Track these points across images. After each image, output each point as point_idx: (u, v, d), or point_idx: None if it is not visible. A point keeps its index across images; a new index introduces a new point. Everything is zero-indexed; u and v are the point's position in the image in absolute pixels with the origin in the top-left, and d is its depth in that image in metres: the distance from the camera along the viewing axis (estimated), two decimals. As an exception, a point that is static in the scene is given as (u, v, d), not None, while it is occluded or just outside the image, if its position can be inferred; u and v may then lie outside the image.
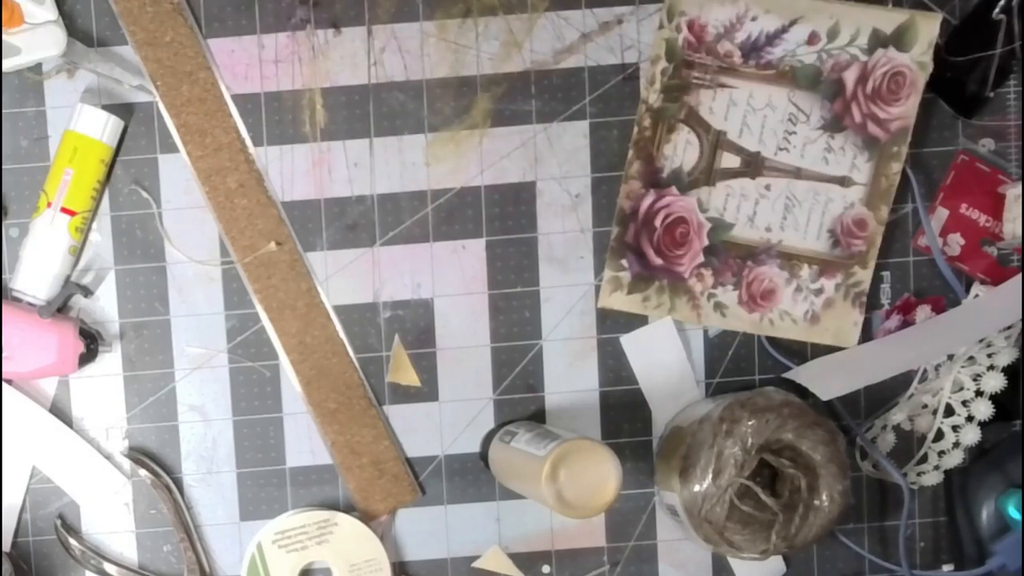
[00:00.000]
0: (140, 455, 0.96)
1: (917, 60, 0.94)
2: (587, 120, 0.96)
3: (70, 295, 0.94)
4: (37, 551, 0.97)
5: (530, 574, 0.98)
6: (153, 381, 0.96)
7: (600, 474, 0.83)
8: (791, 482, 0.89)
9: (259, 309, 0.96)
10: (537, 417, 0.97)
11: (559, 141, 0.96)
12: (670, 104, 0.95)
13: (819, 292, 0.96)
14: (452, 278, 0.96)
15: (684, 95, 0.95)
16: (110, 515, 0.97)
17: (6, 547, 0.96)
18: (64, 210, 0.93)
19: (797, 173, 0.95)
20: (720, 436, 0.88)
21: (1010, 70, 0.95)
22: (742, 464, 0.87)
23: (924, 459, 0.96)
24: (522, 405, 0.97)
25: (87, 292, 0.94)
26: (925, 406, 0.96)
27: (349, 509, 0.97)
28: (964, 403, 0.93)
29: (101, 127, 0.93)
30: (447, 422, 0.97)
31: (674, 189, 0.95)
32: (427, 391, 0.97)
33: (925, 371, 0.96)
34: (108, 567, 0.96)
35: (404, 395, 0.97)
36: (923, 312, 0.96)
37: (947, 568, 0.97)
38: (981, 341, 0.93)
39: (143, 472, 0.95)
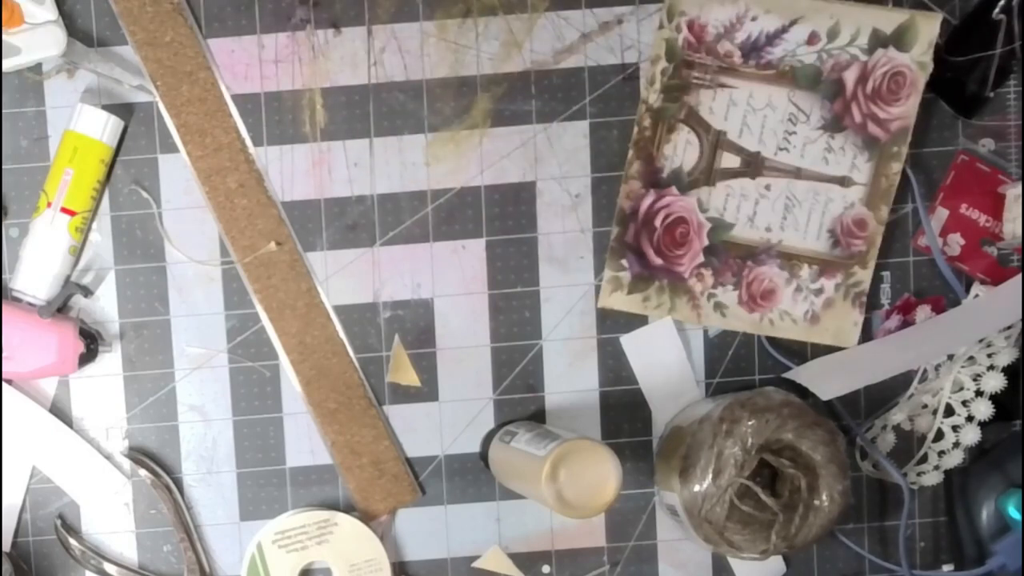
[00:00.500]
0: (140, 455, 0.96)
1: (917, 60, 0.94)
2: (587, 120, 0.96)
3: (70, 295, 0.94)
4: (37, 551, 0.97)
5: (530, 574, 0.98)
6: (153, 381, 0.96)
7: (600, 474, 0.83)
8: (791, 482, 0.89)
9: (259, 309, 0.96)
10: (537, 417, 0.97)
11: (559, 141, 0.96)
12: (670, 104, 0.95)
13: (819, 292, 0.96)
14: (452, 278, 0.96)
15: (684, 95, 0.95)
16: (110, 515, 0.97)
17: (6, 547, 0.96)
18: (64, 210, 0.93)
19: (797, 173, 0.95)
20: (720, 436, 0.88)
21: (1010, 70, 0.95)
22: (742, 464, 0.87)
23: (924, 459, 0.96)
24: (522, 405, 0.97)
25: (87, 292, 0.94)
26: (925, 406, 0.96)
27: (349, 509, 0.97)
28: (964, 403, 0.93)
29: (101, 127, 0.93)
30: (447, 422, 0.97)
31: (674, 189, 0.95)
32: (427, 391, 0.97)
33: (925, 371, 0.96)
34: (108, 567, 0.96)
35: (404, 395, 0.97)
36: (923, 312, 0.96)
37: (947, 568, 0.97)
38: (981, 341, 0.93)
39: (143, 472, 0.95)
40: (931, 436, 0.95)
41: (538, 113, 0.96)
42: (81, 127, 0.93)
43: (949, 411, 0.94)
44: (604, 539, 0.98)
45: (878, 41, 0.94)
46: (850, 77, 0.94)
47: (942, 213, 0.97)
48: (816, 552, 0.98)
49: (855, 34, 0.94)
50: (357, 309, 0.97)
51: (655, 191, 0.95)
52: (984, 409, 0.93)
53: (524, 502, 0.97)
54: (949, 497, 0.97)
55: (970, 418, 0.93)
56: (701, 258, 0.96)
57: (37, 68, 0.95)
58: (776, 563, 0.97)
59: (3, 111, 0.95)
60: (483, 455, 0.97)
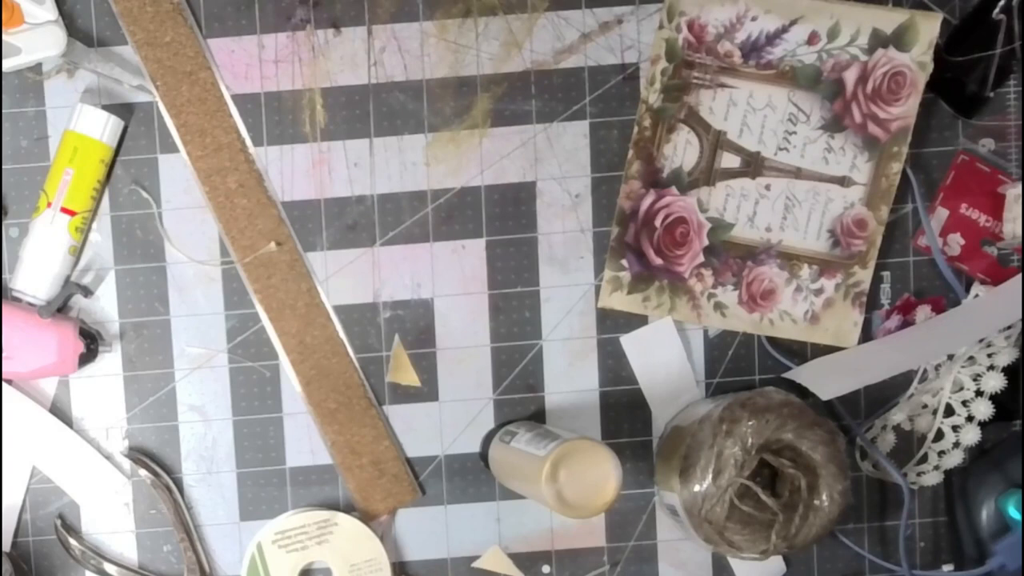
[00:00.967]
0: (140, 455, 0.96)
1: (917, 60, 0.94)
2: (587, 120, 0.96)
3: (70, 295, 0.94)
4: (37, 551, 0.97)
5: (530, 574, 0.98)
6: (153, 381, 0.96)
7: (600, 474, 0.83)
8: (791, 482, 0.89)
9: (259, 309, 0.96)
10: (537, 417, 0.97)
11: (559, 141, 0.96)
12: (670, 104, 0.95)
13: (819, 292, 0.96)
14: (452, 278, 0.96)
15: (684, 95, 0.95)
16: (110, 515, 0.97)
17: (6, 547, 0.96)
18: (64, 210, 0.93)
19: (797, 173, 0.95)
20: (720, 436, 0.88)
21: (1010, 70, 0.95)
22: (742, 464, 0.87)
23: (924, 459, 0.96)
24: (522, 405, 0.97)
25: (87, 292, 0.94)
26: (925, 406, 0.96)
27: (349, 509, 0.97)
28: (964, 403, 0.93)
29: (101, 127, 0.93)
30: (447, 422, 0.97)
31: (674, 189, 0.95)
32: (427, 391, 0.97)
33: (925, 371, 0.96)
34: (108, 567, 0.96)
35: (404, 395, 0.97)
36: (923, 312, 0.96)
37: (947, 568, 0.97)
38: (981, 341, 0.93)
39: (143, 472, 0.95)
40: (931, 436, 0.95)
41: (538, 113, 0.96)
42: (81, 127, 0.93)
43: (949, 411, 0.94)
44: (604, 539, 0.98)
45: (878, 41, 0.94)
46: (850, 77, 0.94)
47: (942, 213, 0.97)
48: (816, 552, 0.98)
49: (855, 34, 0.94)
50: (357, 309, 0.97)
51: (655, 191, 0.95)
52: (984, 409, 0.93)
53: (524, 502, 0.97)
54: (949, 497, 0.97)
55: (970, 418, 0.93)
56: (701, 258, 0.96)
57: (37, 68, 0.95)
58: (776, 563, 0.97)
59: (3, 111, 0.95)
60: (483, 455, 0.97)
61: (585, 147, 0.96)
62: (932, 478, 0.96)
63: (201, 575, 0.96)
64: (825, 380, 0.93)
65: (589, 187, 0.96)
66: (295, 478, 0.97)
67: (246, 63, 0.95)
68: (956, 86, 0.95)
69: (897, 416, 0.96)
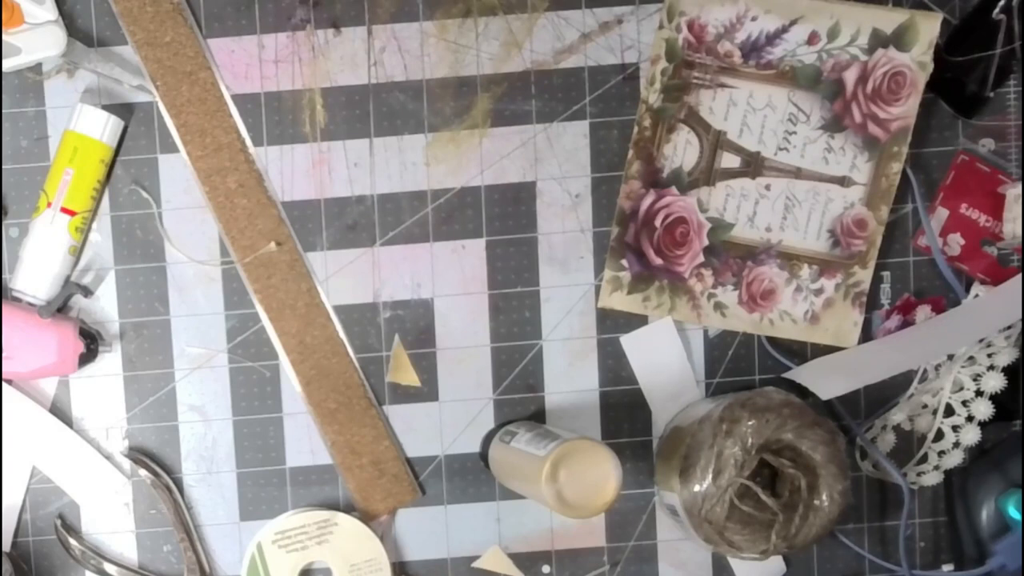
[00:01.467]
0: (140, 455, 0.96)
1: (917, 60, 0.94)
2: (587, 120, 0.96)
3: (70, 295, 0.94)
4: (37, 551, 0.97)
5: (530, 574, 0.98)
6: (153, 381, 0.96)
7: (600, 474, 0.83)
8: (791, 482, 0.89)
9: (259, 309, 0.96)
10: (537, 417, 0.97)
11: (559, 141, 0.96)
12: (670, 104, 0.95)
13: (819, 292, 0.96)
14: (452, 278, 0.96)
15: (684, 95, 0.95)
16: (110, 515, 0.97)
17: (6, 547, 0.96)
18: (64, 210, 0.93)
19: (797, 173, 0.95)
20: (720, 436, 0.88)
21: (1010, 70, 0.95)
22: (742, 464, 0.87)
23: (924, 459, 0.96)
24: (522, 405, 0.97)
25: (87, 292, 0.94)
26: (925, 406, 0.96)
27: (349, 509, 0.97)
28: (964, 403, 0.93)
29: (101, 127, 0.93)
30: (447, 422, 0.97)
31: (674, 189, 0.95)
32: (427, 391, 0.97)
33: (925, 371, 0.96)
34: (108, 567, 0.96)
35: (404, 395, 0.97)
36: (923, 312, 0.96)
37: (947, 568, 0.97)
38: (981, 341, 0.93)
39: (143, 472, 0.95)
40: (931, 436, 0.95)
41: (538, 113, 0.96)
42: (81, 127, 0.93)
43: (949, 411, 0.94)
44: (604, 539, 0.98)
45: (878, 41, 0.94)
46: (850, 77, 0.94)
47: (942, 213, 0.97)
48: (816, 552, 0.98)
49: (855, 34, 0.94)
50: (357, 309, 0.97)
51: (655, 191, 0.95)
52: (984, 409, 0.93)
53: (524, 502, 0.97)
54: (949, 497, 0.97)
55: (970, 418, 0.93)
56: (701, 258, 0.96)
57: (37, 68, 0.95)
58: (776, 563, 0.97)
59: (3, 111, 0.95)
60: (483, 455, 0.97)
61: (585, 147, 0.96)
62: (932, 478, 0.96)
63: (201, 575, 0.96)
64: (825, 380, 0.93)
65: (589, 187, 0.96)
66: (295, 478, 0.97)
67: (246, 63, 0.95)
68: (956, 86, 0.95)
69: (897, 416, 0.96)
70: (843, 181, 0.95)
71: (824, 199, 0.95)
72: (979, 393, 0.93)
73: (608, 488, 0.83)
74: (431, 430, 0.97)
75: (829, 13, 0.94)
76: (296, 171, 0.96)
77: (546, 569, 0.98)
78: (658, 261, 0.96)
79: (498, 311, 0.97)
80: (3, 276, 0.95)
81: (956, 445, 0.94)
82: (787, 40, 0.94)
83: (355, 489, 0.97)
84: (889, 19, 0.94)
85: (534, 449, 0.85)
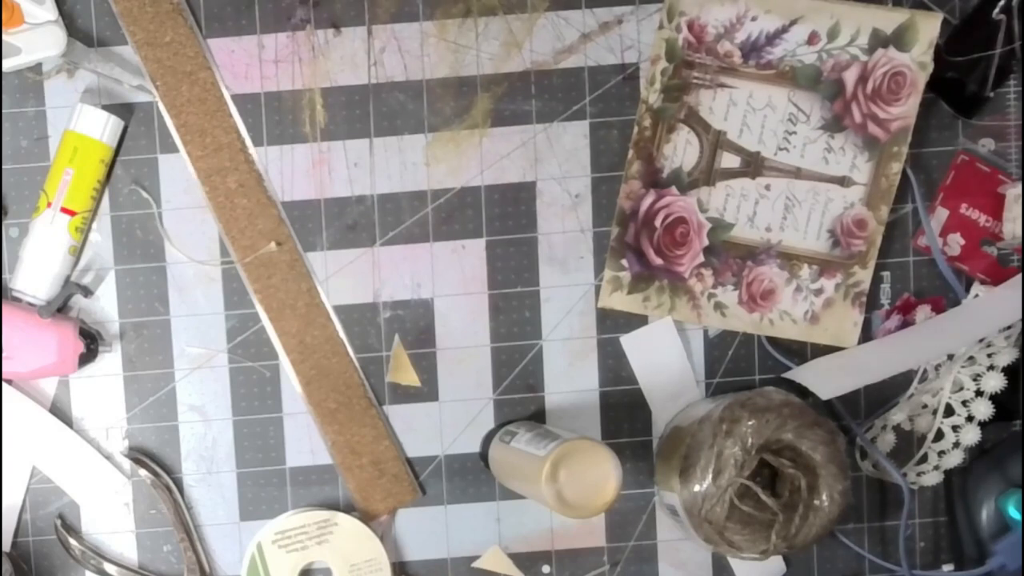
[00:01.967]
0: (140, 455, 0.96)
1: (917, 60, 0.94)
2: (587, 120, 0.96)
3: (70, 295, 0.94)
4: (37, 551, 0.97)
5: (530, 574, 0.98)
6: (153, 381, 0.96)
7: (600, 474, 0.83)
8: (791, 482, 0.89)
9: (259, 309, 0.96)
10: (537, 417, 0.97)
11: (559, 141, 0.96)
12: (670, 104, 0.95)
13: (819, 292, 0.96)
14: (452, 278, 0.96)
15: (684, 95, 0.95)
16: (110, 515, 0.97)
17: (6, 547, 0.96)
18: (64, 210, 0.93)
19: (797, 173, 0.95)
20: (720, 436, 0.88)
21: (1010, 70, 0.95)
22: (742, 464, 0.87)
23: (924, 459, 0.96)
24: (522, 405, 0.97)
25: (87, 292, 0.94)
26: (925, 406, 0.96)
27: (349, 509, 0.97)
28: (964, 403, 0.93)
29: (101, 127, 0.93)
30: (447, 422, 0.97)
31: (674, 189, 0.95)
32: (427, 391, 0.97)
33: (925, 371, 0.96)
34: (108, 567, 0.96)
35: (404, 395, 0.97)
36: (923, 312, 0.96)
37: (947, 568, 0.97)
38: (981, 341, 0.93)
39: (143, 472, 0.95)
40: (931, 436, 0.95)
41: (538, 113, 0.96)
42: (81, 127, 0.93)
43: (949, 411, 0.94)
44: (604, 539, 0.98)
45: (878, 41, 0.94)
46: (850, 77, 0.94)
47: (942, 213, 0.97)
48: (816, 552, 0.98)
49: (855, 34, 0.94)
50: (357, 309, 0.97)
51: (655, 191, 0.95)
52: (984, 409, 0.93)
53: (524, 502, 0.97)
54: (949, 497, 0.97)
55: (970, 418, 0.93)
56: (701, 258, 0.96)
57: (37, 68, 0.95)
58: (776, 563, 0.97)
59: (3, 111, 0.95)
60: (483, 455, 0.97)
61: (585, 147, 0.96)
62: (932, 478, 0.96)
63: (201, 575, 0.96)
64: (825, 380, 0.93)
65: (589, 187, 0.96)
66: (295, 478, 0.97)
67: (246, 63, 0.95)
68: (956, 86, 0.95)
69: (897, 416, 0.96)
70: (843, 181, 0.95)
71: (824, 199, 0.95)
72: (979, 393, 0.93)
73: (608, 488, 0.83)
74: (431, 430, 0.97)
75: (829, 13, 0.94)
76: (296, 171, 0.96)
77: (546, 569, 0.98)
78: (658, 261, 0.96)
79: (498, 311, 0.97)
80: (3, 276, 0.95)
81: (956, 445, 0.94)
82: (787, 40, 0.94)
83: (355, 489, 0.97)
84: (889, 19, 0.94)
85: (534, 449, 0.85)
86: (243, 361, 0.96)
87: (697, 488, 0.88)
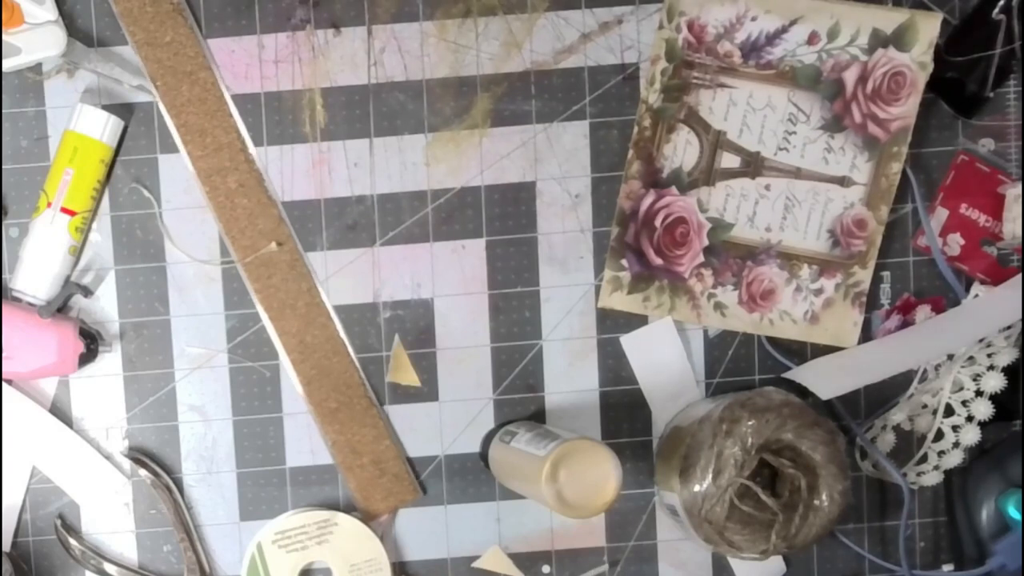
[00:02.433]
0: (140, 455, 0.96)
1: (917, 60, 0.94)
2: (587, 120, 0.96)
3: (70, 295, 0.94)
4: (37, 551, 0.97)
5: (530, 574, 0.98)
6: (153, 381, 0.96)
7: (600, 474, 0.83)
8: (791, 482, 0.89)
9: (259, 309, 0.96)
10: (537, 417, 0.97)
11: (559, 141, 0.96)
12: (670, 104, 0.95)
13: (819, 292, 0.96)
14: (452, 278, 0.96)
15: (684, 95, 0.95)
16: (110, 515, 0.97)
17: (6, 547, 0.96)
18: (64, 210, 0.93)
19: (797, 173, 0.95)
20: (720, 436, 0.88)
21: (1010, 70, 0.95)
22: (742, 464, 0.87)
23: (924, 459, 0.96)
24: (522, 405, 0.97)
25: (87, 292, 0.94)
26: (925, 406, 0.96)
27: (349, 509, 0.97)
28: (964, 403, 0.93)
29: (101, 127, 0.93)
30: (447, 422, 0.97)
31: (674, 189, 0.95)
32: (427, 391, 0.97)
33: (925, 371, 0.96)
34: (108, 567, 0.96)
35: (404, 395, 0.97)
36: (923, 312, 0.96)
37: (947, 568, 0.97)
38: (981, 341, 0.93)
39: (143, 472, 0.95)
40: (931, 436, 0.95)
41: (538, 113, 0.96)
42: (81, 127, 0.93)
43: (949, 411, 0.94)
44: (604, 539, 0.98)
45: (878, 41, 0.94)
46: (850, 77, 0.94)
47: (942, 213, 0.97)
48: (816, 552, 0.98)
49: (855, 34, 0.94)
50: (357, 309, 0.97)
51: (655, 191, 0.95)
52: (984, 409, 0.93)
53: (524, 502, 0.97)
54: (949, 497, 0.97)
55: (970, 418, 0.93)
56: (701, 258, 0.96)
57: (37, 68, 0.95)
58: (776, 563, 0.97)
59: (3, 111, 0.95)
60: (483, 455, 0.97)
61: (585, 147, 0.96)
62: (932, 478, 0.96)
63: (201, 575, 0.96)
64: (825, 380, 0.93)
65: (589, 187, 0.96)
66: (295, 478, 0.97)
67: (246, 63, 0.95)
68: (956, 86, 0.95)
69: (897, 416, 0.96)
70: (843, 181, 0.95)
71: (824, 199, 0.95)
72: (979, 393, 0.93)
73: (608, 488, 0.83)
74: (431, 430, 0.97)
75: (829, 13, 0.94)
76: (296, 171, 0.96)
77: (546, 569, 0.98)
78: (658, 261, 0.96)
79: (498, 311, 0.97)
80: (3, 276, 0.95)
81: (956, 445, 0.94)
82: (787, 40, 0.94)
83: (356, 489, 0.97)
84: (889, 19, 0.94)
85: (534, 449, 0.85)
86: (243, 361, 0.96)
87: (697, 488, 0.88)
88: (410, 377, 0.97)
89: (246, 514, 0.97)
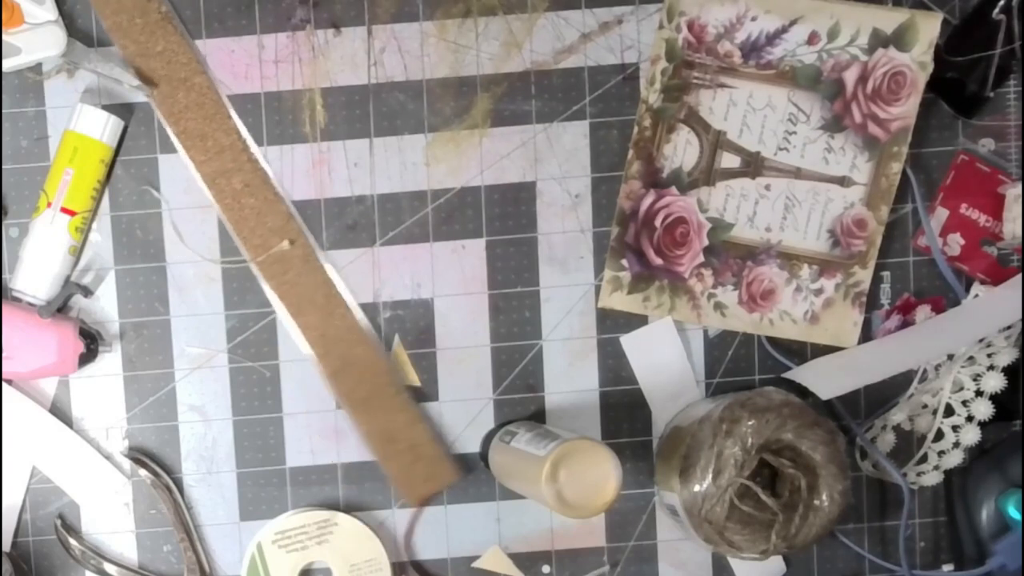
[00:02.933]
0: (140, 455, 0.96)
1: (917, 60, 0.94)
2: (587, 120, 0.96)
3: (70, 295, 0.94)
4: (37, 551, 0.97)
5: (530, 574, 0.98)
6: (153, 381, 0.96)
7: (600, 474, 0.83)
8: (791, 482, 0.89)
9: (278, 306, 0.96)
10: (537, 417, 0.97)
11: (559, 141, 0.96)
12: (670, 104, 0.95)
13: (819, 292, 0.96)
14: (452, 278, 0.96)
15: (684, 95, 0.95)
16: (110, 515, 0.97)
17: (6, 547, 0.96)
18: (64, 210, 0.93)
19: (797, 173, 0.95)
20: (720, 436, 0.88)
21: (1010, 70, 0.95)
22: (742, 464, 0.87)
23: (924, 459, 0.96)
24: (522, 405, 0.97)
25: (87, 292, 0.94)
26: (925, 406, 0.96)
27: (349, 509, 0.97)
28: (964, 403, 0.93)
29: (101, 127, 0.93)
30: (447, 422, 0.97)
31: (674, 189, 0.95)
32: (427, 391, 0.97)
33: (925, 371, 0.96)
34: (108, 567, 0.96)
35: (404, 395, 0.97)
36: (923, 312, 0.96)
37: (947, 568, 0.97)
38: (981, 341, 0.93)
39: (143, 472, 0.95)
40: (931, 436, 0.95)
41: (538, 113, 0.96)
42: (81, 127, 0.93)
43: (949, 411, 0.94)
44: (604, 539, 0.98)
45: (878, 41, 0.94)
46: (850, 77, 0.94)
47: (942, 213, 0.97)
48: (816, 552, 0.98)
49: (855, 34, 0.94)
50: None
51: (655, 191, 0.95)
52: (984, 409, 0.93)
53: (524, 502, 0.97)
54: (949, 497, 0.97)
55: (970, 418, 0.93)
56: (701, 258, 0.96)
57: (37, 68, 0.95)
58: (776, 563, 0.98)
59: (3, 111, 0.95)
60: (483, 455, 0.97)
61: (585, 147, 0.96)
62: (932, 478, 0.96)
63: (201, 575, 0.96)
64: (825, 380, 0.93)
65: (589, 187, 0.96)
66: (295, 478, 0.97)
67: (246, 63, 0.95)
68: (956, 86, 0.95)
69: (897, 416, 0.96)
70: (843, 181, 0.95)
71: (824, 199, 0.95)
72: (979, 393, 0.93)
73: (608, 488, 0.83)
74: (431, 430, 0.97)
75: (829, 13, 0.94)
76: (296, 171, 0.96)
77: (546, 569, 0.98)
78: (658, 261, 0.96)
79: (498, 311, 0.97)
80: (3, 276, 0.95)
81: (956, 445, 0.94)
82: (787, 40, 0.94)
83: (396, 475, 0.95)
84: (889, 19, 0.94)
85: (534, 449, 0.85)
86: (243, 361, 0.96)
87: (697, 488, 0.88)
88: (410, 377, 0.97)
89: (246, 514, 0.97)
